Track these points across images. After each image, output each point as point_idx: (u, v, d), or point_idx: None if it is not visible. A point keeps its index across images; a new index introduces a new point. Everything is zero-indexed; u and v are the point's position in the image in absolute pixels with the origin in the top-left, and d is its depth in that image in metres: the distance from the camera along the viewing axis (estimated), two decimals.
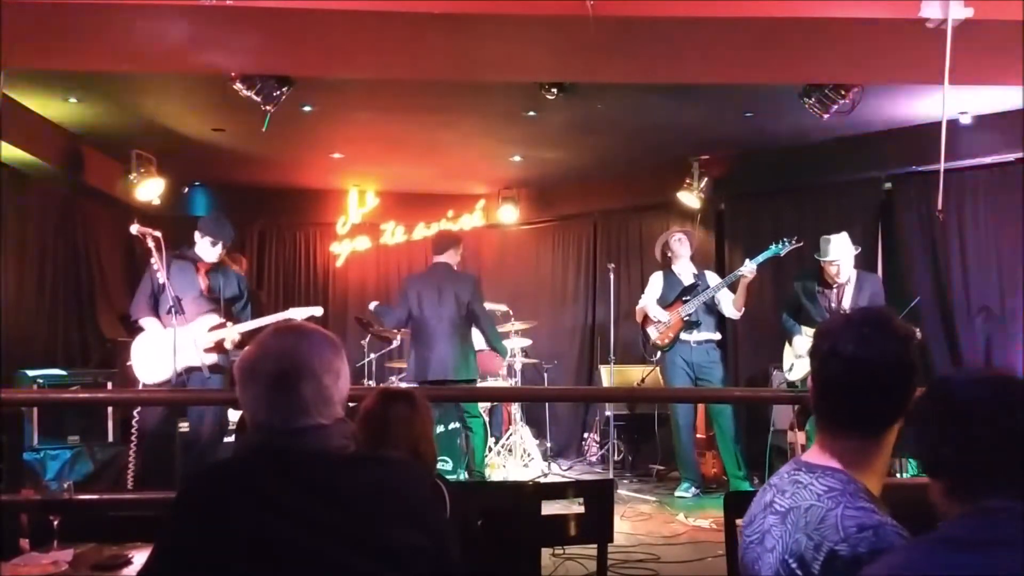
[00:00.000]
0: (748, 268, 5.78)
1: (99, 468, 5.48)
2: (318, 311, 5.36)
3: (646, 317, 6.23)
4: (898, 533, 1.37)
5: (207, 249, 5.08)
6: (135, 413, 4.90)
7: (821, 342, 1.54)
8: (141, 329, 5.03)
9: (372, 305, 7.11)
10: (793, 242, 5.72)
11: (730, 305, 5.99)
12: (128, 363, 5.04)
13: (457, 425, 6.01)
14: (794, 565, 1.41)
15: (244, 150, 7.02)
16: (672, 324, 6.07)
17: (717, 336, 6.16)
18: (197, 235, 5.11)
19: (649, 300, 6.27)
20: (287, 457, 1.53)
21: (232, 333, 5.02)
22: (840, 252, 5.41)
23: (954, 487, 1.30)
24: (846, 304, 5.38)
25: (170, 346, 4.71)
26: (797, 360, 5.52)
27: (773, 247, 5.77)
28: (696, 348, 6.03)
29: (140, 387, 4.94)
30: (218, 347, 5.03)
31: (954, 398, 1.32)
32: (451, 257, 5.93)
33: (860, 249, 5.50)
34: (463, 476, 5.94)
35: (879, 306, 5.26)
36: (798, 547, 1.41)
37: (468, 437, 5.95)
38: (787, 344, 5.67)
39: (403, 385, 6.09)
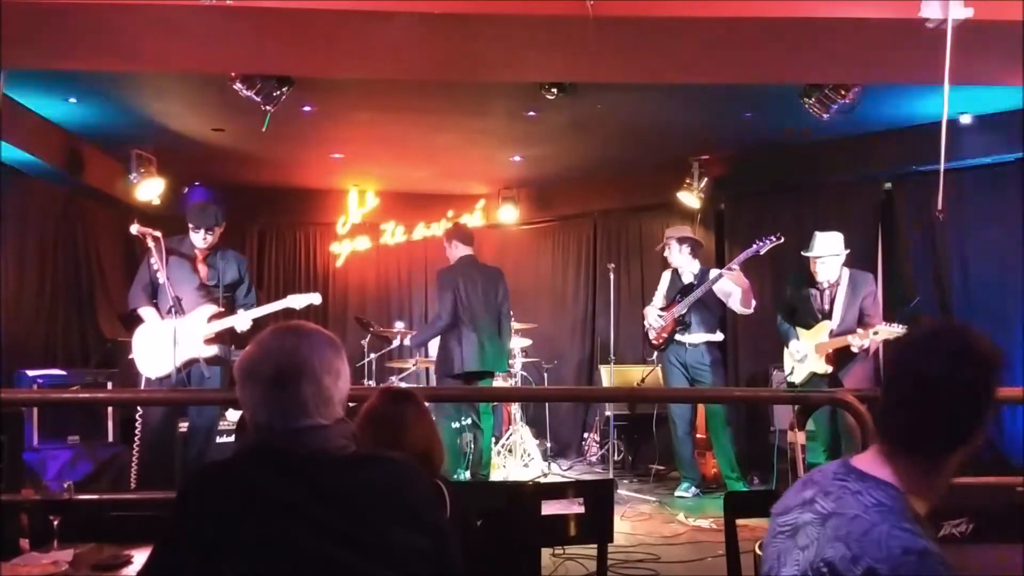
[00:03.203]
0: (724, 271, 5.82)
1: (99, 468, 5.48)
2: (316, 298, 5.37)
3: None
4: (942, 563, 1.33)
5: (194, 237, 5.11)
6: (138, 409, 4.91)
7: (900, 356, 1.50)
8: (139, 319, 5.04)
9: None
10: (774, 239, 5.71)
11: (737, 303, 5.97)
12: (130, 356, 5.04)
13: (458, 425, 6.02)
14: (825, 571, 1.38)
15: (244, 150, 7.02)
16: (666, 324, 6.08)
17: (715, 337, 6.13)
18: (188, 224, 5.15)
19: (655, 299, 6.29)
20: (287, 457, 1.54)
21: (244, 321, 5.01)
22: (824, 249, 5.35)
23: None
24: (838, 307, 5.33)
25: (170, 340, 4.71)
26: (798, 364, 5.50)
27: (755, 245, 5.77)
28: (691, 349, 6.03)
29: (143, 381, 4.95)
30: (218, 337, 5.03)
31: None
32: (473, 249, 6.03)
33: (850, 250, 5.44)
34: (464, 476, 5.94)
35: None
36: (835, 555, 1.38)
37: (478, 437, 5.95)
38: (785, 348, 5.66)
39: (403, 383, 6.09)
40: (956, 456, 1.45)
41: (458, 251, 6.03)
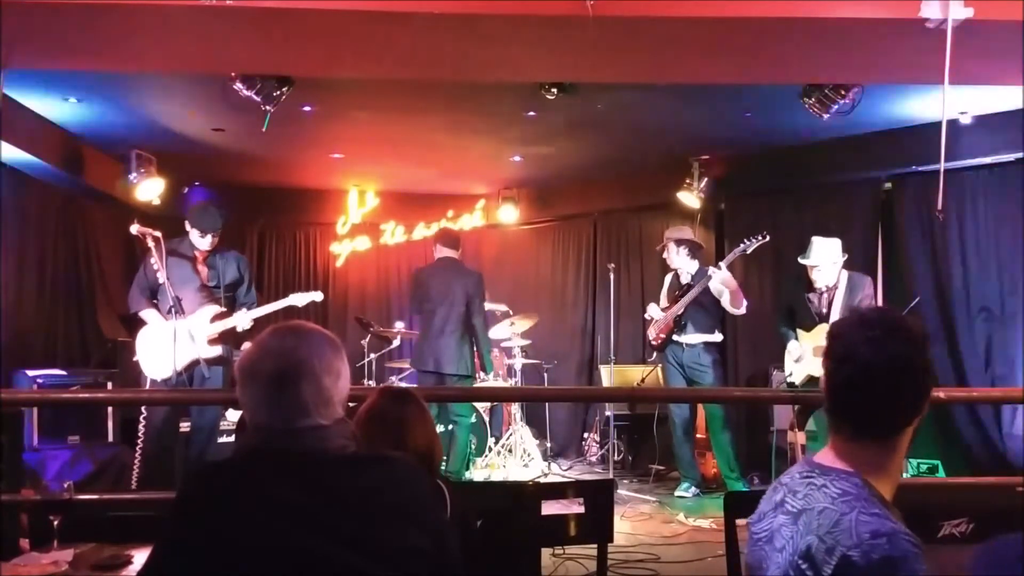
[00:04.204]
0: (713, 270, 5.82)
1: (99, 468, 5.48)
2: (318, 296, 5.38)
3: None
4: (911, 542, 1.36)
5: (198, 239, 5.10)
6: (143, 410, 4.90)
7: (834, 345, 1.53)
8: (142, 322, 5.03)
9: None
10: (760, 238, 5.72)
11: (728, 303, 5.98)
12: (135, 359, 5.03)
13: (453, 427, 6.01)
14: (804, 567, 1.40)
15: (244, 150, 7.02)
16: (664, 325, 6.08)
17: (713, 338, 6.11)
18: (187, 225, 5.14)
19: (661, 300, 6.30)
20: (287, 457, 1.53)
21: (245, 320, 5.00)
22: (821, 257, 5.35)
23: None
24: (835, 310, 5.32)
25: (173, 340, 4.71)
26: (796, 364, 5.51)
27: (742, 244, 5.78)
28: (687, 350, 6.03)
29: (147, 383, 4.94)
30: (222, 337, 5.02)
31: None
32: (457, 253, 6.05)
33: (847, 255, 5.45)
34: (467, 476, 5.94)
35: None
36: (809, 549, 1.40)
37: (452, 439, 5.90)
38: (786, 349, 5.67)
39: (403, 383, 6.09)
40: (910, 431, 1.51)
41: (438, 253, 6.07)
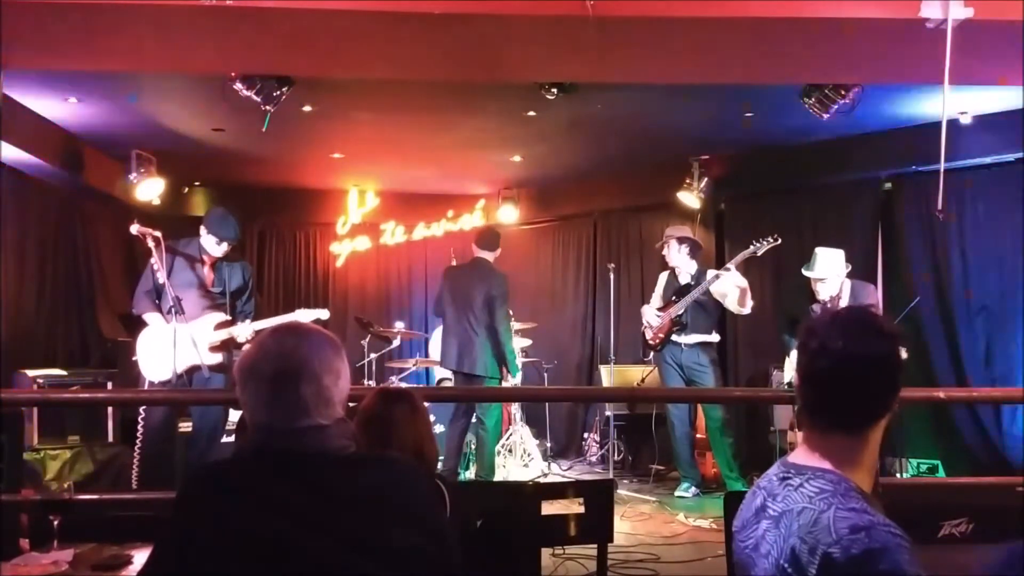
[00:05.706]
0: (721, 271, 5.81)
1: (99, 468, 5.48)
2: (324, 314, 5.29)
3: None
4: (891, 532, 1.36)
5: (212, 246, 5.04)
6: (140, 411, 4.89)
7: (808, 339, 1.56)
8: (143, 323, 5.01)
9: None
10: (771, 240, 5.71)
11: (734, 303, 5.97)
12: (134, 358, 5.02)
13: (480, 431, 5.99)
14: (790, 570, 1.41)
15: (244, 150, 7.02)
16: (662, 325, 6.08)
17: (711, 338, 6.10)
18: (203, 230, 5.07)
19: (653, 299, 6.28)
20: (287, 457, 1.53)
21: (246, 331, 4.98)
22: (826, 270, 5.35)
23: None
24: None
25: (174, 344, 4.69)
26: (796, 373, 5.51)
27: (752, 246, 5.77)
28: (686, 350, 6.02)
29: (146, 385, 4.92)
30: (224, 346, 5.01)
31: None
32: (492, 255, 6.06)
33: (851, 266, 5.46)
34: (465, 476, 5.93)
35: (865, 305, 5.24)
36: (793, 551, 1.41)
37: (481, 438, 5.90)
38: (787, 357, 5.67)
39: (402, 384, 6.09)
40: (881, 425, 1.53)
41: (474, 254, 6.09)
